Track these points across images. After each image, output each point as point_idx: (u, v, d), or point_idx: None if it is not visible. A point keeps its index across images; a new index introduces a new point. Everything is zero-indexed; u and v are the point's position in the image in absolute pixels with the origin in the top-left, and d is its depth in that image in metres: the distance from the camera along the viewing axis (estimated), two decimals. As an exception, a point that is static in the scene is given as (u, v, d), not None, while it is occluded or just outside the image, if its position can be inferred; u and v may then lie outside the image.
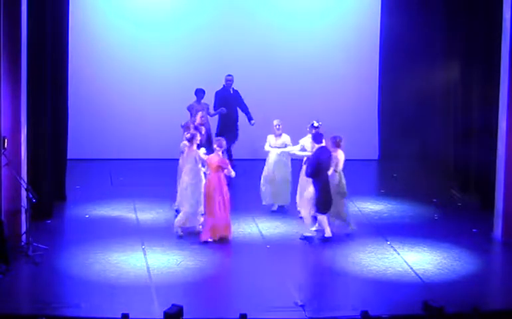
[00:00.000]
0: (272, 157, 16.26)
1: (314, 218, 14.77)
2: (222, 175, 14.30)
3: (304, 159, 15.43)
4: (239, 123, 18.46)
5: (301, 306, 11.63)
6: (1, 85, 13.40)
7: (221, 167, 14.28)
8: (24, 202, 13.68)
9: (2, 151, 13.35)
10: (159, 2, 20.06)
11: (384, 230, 14.99)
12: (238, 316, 10.35)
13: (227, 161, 14.73)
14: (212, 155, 14.45)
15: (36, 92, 14.73)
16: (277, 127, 16.13)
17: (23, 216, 13.69)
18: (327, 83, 20.27)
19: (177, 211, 15.04)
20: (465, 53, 17.77)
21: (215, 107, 18.15)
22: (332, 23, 20.34)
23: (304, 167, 15.55)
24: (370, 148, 20.19)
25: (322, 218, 14.49)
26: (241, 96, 18.35)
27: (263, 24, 20.10)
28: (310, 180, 14.65)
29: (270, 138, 16.31)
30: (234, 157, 18.28)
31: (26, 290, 12.50)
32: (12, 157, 13.57)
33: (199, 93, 17.89)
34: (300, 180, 15.74)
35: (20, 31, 13.65)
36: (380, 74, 20.35)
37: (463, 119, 17.88)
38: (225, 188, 14.30)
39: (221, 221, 14.25)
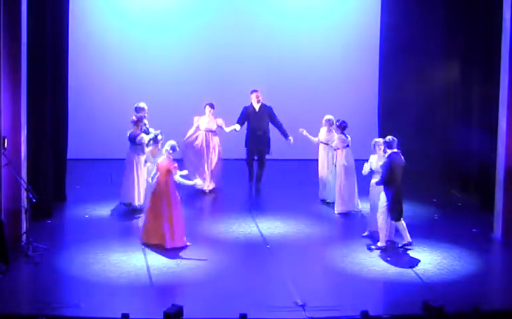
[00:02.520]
0: (320, 152, 16.89)
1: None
2: (171, 179, 13.95)
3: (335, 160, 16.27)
4: (269, 136, 17.76)
5: (301, 306, 11.63)
6: (1, 85, 13.40)
7: (170, 171, 13.95)
8: (24, 202, 13.67)
9: (3, 151, 13.34)
10: (159, 3, 20.08)
11: (384, 230, 14.98)
12: (238, 316, 10.35)
13: (176, 165, 14.17)
14: (163, 158, 14.13)
15: (36, 92, 14.74)
16: (330, 123, 16.66)
17: (23, 216, 13.69)
18: (327, 83, 20.29)
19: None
20: (465, 53, 17.78)
21: (238, 122, 17.75)
22: (332, 23, 20.36)
23: (338, 167, 16.08)
24: (370, 148, 20.13)
25: (400, 225, 14.01)
26: (273, 113, 17.73)
27: (263, 24, 20.13)
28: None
29: (322, 131, 16.75)
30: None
31: (26, 290, 12.49)
32: (12, 157, 13.57)
33: (210, 107, 17.50)
34: (337, 180, 16.16)
35: (20, 31, 13.65)
36: (380, 74, 20.33)
37: (463, 119, 17.89)
38: (174, 193, 13.94)
39: (156, 228, 13.90)
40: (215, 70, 19.86)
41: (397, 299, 12.19)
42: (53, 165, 15.85)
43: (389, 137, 14.20)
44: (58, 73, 16.14)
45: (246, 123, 17.81)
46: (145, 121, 16.46)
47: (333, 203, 16.47)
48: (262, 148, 17.68)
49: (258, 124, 17.62)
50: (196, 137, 17.49)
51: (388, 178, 13.88)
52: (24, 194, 13.65)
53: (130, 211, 15.85)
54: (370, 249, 14.07)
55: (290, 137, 17.45)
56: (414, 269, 13.23)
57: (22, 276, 12.72)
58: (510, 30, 14.38)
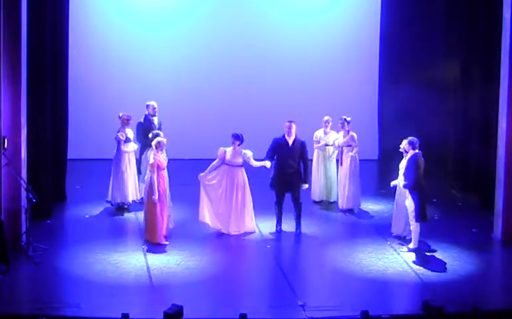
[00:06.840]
0: (317, 153, 16.77)
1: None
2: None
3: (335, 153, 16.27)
4: (301, 171, 15.05)
5: (301, 306, 11.63)
6: (1, 85, 13.40)
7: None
8: (24, 202, 13.68)
9: (3, 151, 13.34)
10: (160, 1, 20.09)
11: (384, 230, 14.99)
12: (238, 316, 10.36)
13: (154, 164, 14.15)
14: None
15: (36, 92, 14.74)
16: (326, 124, 16.62)
17: (23, 216, 13.69)
18: (327, 83, 20.31)
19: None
20: (465, 53, 17.79)
21: (267, 156, 14.99)
22: (331, 22, 20.38)
23: (343, 166, 16.06)
24: (370, 148, 20.19)
25: (417, 228, 13.93)
26: (306, 149, 15.05)
27: (263, 22, 20.14)
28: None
29: (319, 133, 16.63)
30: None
31: (26, 290, 12.49)
32: (12, 157, 13.57)
33: (239, 138, 14.86)
34: (339, 178, 16.26)
35: (20, 31, 13.66)
36: (380, 74, 20.35)
37: (463, 119, 17.90)
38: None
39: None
40: (216, 68, 19.85)
41: (397, 299, 12.19)
42: (53, 165, 15.86)
43: (412, 138, 14.07)
44: (58, 73, 16.15)
45: (275, 158, 15.08)
46: (155, 118, 16.56)
47: (334, 202, 16.57)
48: (294, 188, 15.05)
49: (290, 160, 14.97)
50: (218, 172, 14.84)
51: (417, 179, 13.78)
52: (24, 194, 13.65)
53: (130, 211, 15.87)
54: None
55: (306, 185, 15.16)
56: (414, 269, 13.25)
57: (22, 276, 12.72)
58: (510, 30, 14.39)
